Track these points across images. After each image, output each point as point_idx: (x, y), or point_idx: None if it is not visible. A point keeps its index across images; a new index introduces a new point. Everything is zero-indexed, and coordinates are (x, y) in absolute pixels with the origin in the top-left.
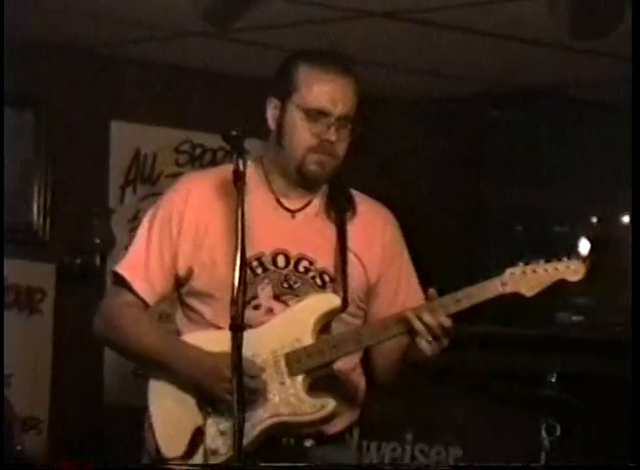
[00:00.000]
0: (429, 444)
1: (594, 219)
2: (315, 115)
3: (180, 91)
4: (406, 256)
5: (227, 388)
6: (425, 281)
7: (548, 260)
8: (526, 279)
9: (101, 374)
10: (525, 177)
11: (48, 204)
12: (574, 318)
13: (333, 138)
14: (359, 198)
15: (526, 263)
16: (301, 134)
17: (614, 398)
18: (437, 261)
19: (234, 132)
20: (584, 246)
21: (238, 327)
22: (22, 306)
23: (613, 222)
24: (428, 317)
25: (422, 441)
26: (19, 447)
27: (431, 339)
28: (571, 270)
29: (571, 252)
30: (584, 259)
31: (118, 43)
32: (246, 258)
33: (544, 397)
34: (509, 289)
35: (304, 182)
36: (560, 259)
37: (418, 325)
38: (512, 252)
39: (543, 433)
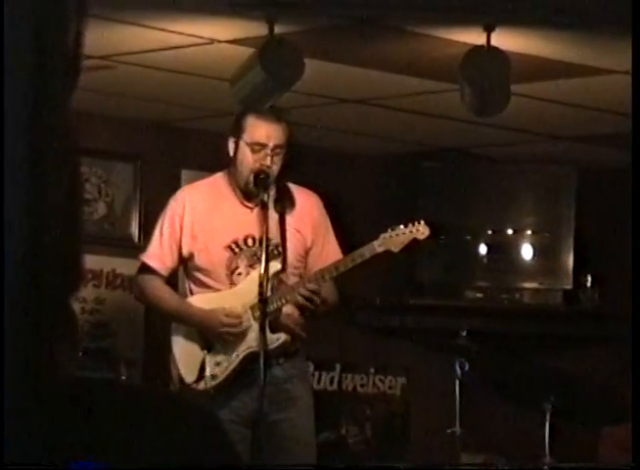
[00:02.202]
0: (384, 375)
1: (489, 231)
2: (256, 146)
3: (227, 151)
4: (328, 224)
5: (226, 329)
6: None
7: (406, 225)
8: (392, 240)
9: None
10: (447, 204)
11: (142, 223)
12: (477, 295)
13: (268, 163)
14: (295, 190)
15: (392, 229)
16: (247, 160)
17: (505, 346)
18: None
19: (261, 175)
20: (483, 249)
21: (263, 298)
22: (125, 288)
23: (501, 233)
24: (302, 290)
25: (380, 373)
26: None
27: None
28: (420, 232)
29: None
30: (428, 224)
31: (187, 119)
32: (250, 247)
33: (458, 345)
34: (382, 248)
35: (250, 194)
36: (413, 225)
37: (294, 296)
38: (435, 251)
39: (457, 368)
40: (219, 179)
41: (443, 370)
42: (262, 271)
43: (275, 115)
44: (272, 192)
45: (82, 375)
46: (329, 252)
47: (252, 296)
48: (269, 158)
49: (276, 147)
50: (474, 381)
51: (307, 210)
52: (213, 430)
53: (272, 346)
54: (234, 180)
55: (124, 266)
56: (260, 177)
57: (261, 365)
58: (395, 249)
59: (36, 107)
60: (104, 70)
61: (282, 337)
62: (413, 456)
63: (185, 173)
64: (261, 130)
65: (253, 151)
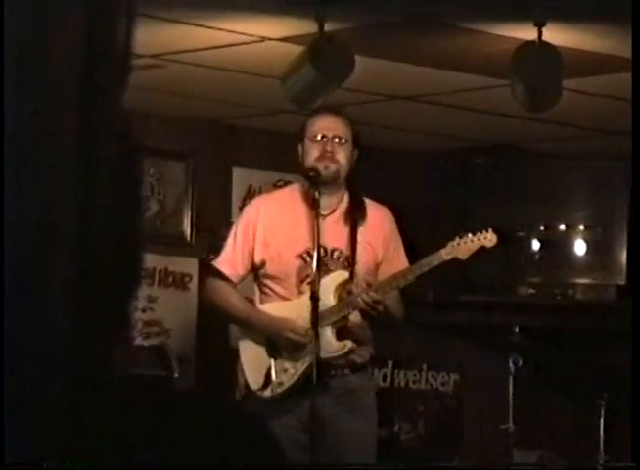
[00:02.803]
0: (437, 372)
1: (542, 227)
2: (317, 138)
3: (278, 148)
4: (398, 239)
5: (299, 334)
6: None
7: (474, 234)
8: (460, 248)
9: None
10: (499, 200)
11: (194, 220)
12: (530, 290)
13: (330, 149)
14: (368, 203)
15: (460, 237)
16: (311, 151)
17: (558, 342)
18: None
19: (312, 173)
20: (535, 244)
21: (315, 298)
22: (177, 286)
23: (554, 229)
24: (364, 296)
25: (432, 370)
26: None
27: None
28: (488, 239)
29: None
30: (496, 231)
31: (238, 117)
32: (321, 257)
33: (511, 341)
34: (450, 256)
35: (319, 182)
36: (481, 232)
37: (357, 301)
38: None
39: (510, 364)
40: (294, 190)
41: (496, 366)
42: (315, 270)
43: (334, 110)
44: (345, 200)
45: (134, 373)
46: (398, 268)
47: (322, 305)
48: (329, 146)
49: (336, 137)
50: (527, 377)
51: (379, 224)
52: (257, 434)
53: (338, 353)
54: (307, 187)
55: (176, 264)
56: (310, 175)
57: (314, 371)
58: (463, 256)
59: (88, 106)
60: (155, 69)
61: (348, 344)
62: (466, 453)
63: (236, 171)
64: (320, 123)
65: (315, 142)
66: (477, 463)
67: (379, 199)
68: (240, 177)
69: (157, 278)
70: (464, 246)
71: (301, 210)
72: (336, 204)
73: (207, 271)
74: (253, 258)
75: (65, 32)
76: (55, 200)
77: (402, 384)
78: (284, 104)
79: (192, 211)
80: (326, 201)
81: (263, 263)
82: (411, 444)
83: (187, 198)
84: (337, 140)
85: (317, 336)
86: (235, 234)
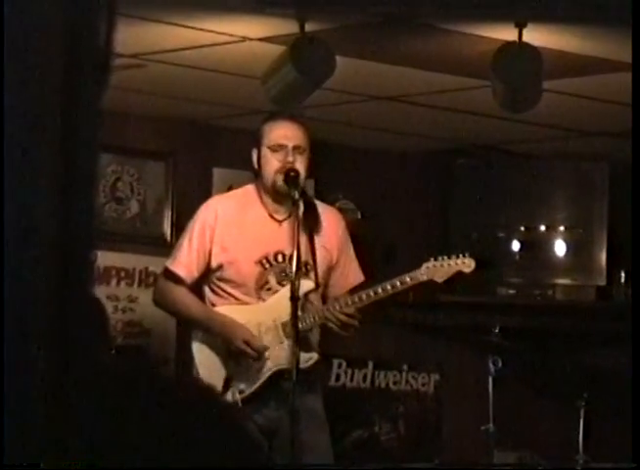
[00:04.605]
0: (417, 372)
1: (522, 228)
2: (277, 147)
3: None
4: (350, 243)
5: (253, 349)
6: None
7: (449, 257)
8: (436, 270)
9: None
10: (479, 201)
11: (174, 221)
12: (510, 291)
13: (291, 159)
14: (321, 207)
15: (436, 259)
16: (270, 162)
17: (539, 343)
18: (416, 256)
19: (292, 173)
20: (515, 245)
21: (295, 298)
22: None
23: (534, 230)
24: (342, 316)
25: (413, 370)
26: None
27: (338, 323)
28: (466, 264)
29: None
30: (473, 257)
31: (219, 117)
32: (279, 263)
33: (491, 342)
34: (426, 277)
35: (279, 194)
36: (457, 257)
37: (329, 316)
38: (468, 249)
39: (490, 364)
40: (249, 192)
41: (476, 367)
42: (294, 283)
43: (292, 117)
44: (301, 208)
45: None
46: (350, 271)
47: (284, 312)
48: (291, 157)
49: (296, 147)
50: (507, 378)
51: (333, 227)
52: (239, 430)
53: (304, 365)
54: (262, 192)
55: (157, 264)
56: (291, 175)
57: (293, 379)
58: (439, 279)
59: (67, 106)
60: (135, 69)
61: (314, 357)
62: (446, 454)
63: (217, 171)
64: (279, 132)
65: (274, 151)
66: (457, 464)
67: (358, 200)
68: (221, 178)
69: (137, 278)
70: (440, 269)
71: (257, 213)
72: (290, 210)
73: (161, 272)
74: (209, 262)
75: (44, 32)
76: (34, 200)
77: (383, 385)
78: (265, 104)
79: (172, 212)
80: (282, 207)
81: (220, 267)
82: (391, 444)
83: (167, 198)
84: (297, 150)
85: (297, 339)
86: (191, 235)
